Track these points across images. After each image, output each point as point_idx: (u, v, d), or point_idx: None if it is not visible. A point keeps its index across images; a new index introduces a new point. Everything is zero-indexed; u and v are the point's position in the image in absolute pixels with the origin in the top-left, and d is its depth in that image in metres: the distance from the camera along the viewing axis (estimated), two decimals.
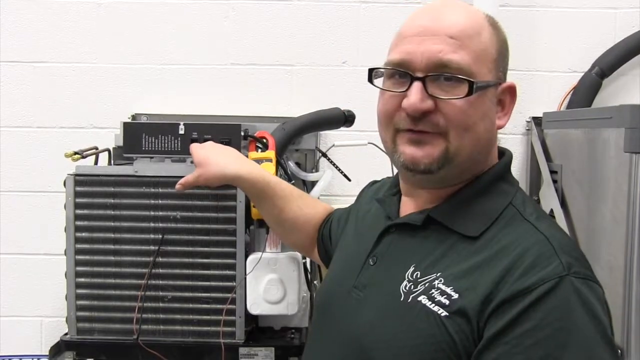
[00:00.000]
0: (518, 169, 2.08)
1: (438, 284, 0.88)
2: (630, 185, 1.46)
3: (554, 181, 1.85)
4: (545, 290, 0.80)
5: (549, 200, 1.86)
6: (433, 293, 0.88)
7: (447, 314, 0.86)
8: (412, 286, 0.91)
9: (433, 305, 0.87)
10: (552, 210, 1.83)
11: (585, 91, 2.00)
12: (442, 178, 0.94)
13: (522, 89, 2.06)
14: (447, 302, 0.86)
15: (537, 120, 2.00)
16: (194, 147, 1.41)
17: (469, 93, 0.88)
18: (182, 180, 1.38)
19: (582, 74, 2.02)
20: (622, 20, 2.04)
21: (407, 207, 1.03)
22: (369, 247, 1.03)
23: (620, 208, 1.49)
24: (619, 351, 1.46)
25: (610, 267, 1.54)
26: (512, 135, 2.07)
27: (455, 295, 0.86)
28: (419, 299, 0.89)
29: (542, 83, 2.06)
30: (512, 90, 0.96)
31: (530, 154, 2.04)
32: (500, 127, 0.96)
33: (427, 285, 0.89)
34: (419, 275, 0.91)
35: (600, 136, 1.59)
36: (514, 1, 2.03)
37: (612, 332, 0.86)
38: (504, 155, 1.02)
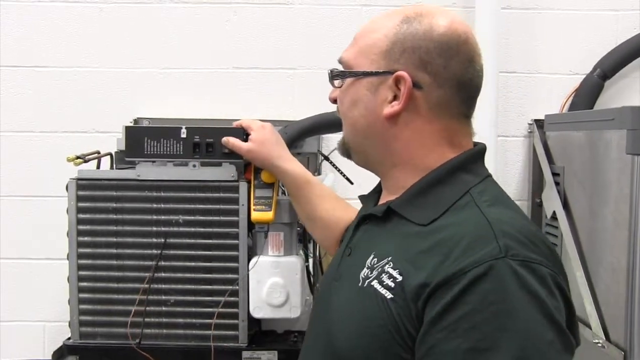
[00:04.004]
0: (520, 171, 2.08)
1: (387, 268, 0.90)
2: (632, 187, 1.45)
3: (556, 183, 1.84)
4: (480, 273, 0.80)
5: (551, 202, 1.86)
6: (383, 277, 0.90)
7: (392, 296, 0.87)
8: (369, 272, 0.93)
9: (382, 288, 0.89)
10: (554, 213, 1.83)
11: (587, 93, 2.00)
12: (365, 162, 1.05)
13: (523, 91, 2.06)
14: (392, 284, 0.88)
15: (539, 123, 2.00)
16: (255, 123, 1.47)
17: (336, 82, 1.02)
18: (233, 141, 1.46)
19: (584, 76, 2.02)
20: (624, 22, 2.04)
21: (383, 200, 1.06)
22: (347, 240, 1.08)
23: (623, 210, 1.49)
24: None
25: (612, 268, 1.54)
26: (514, 138, 2.07)
27: (400, 278, 0.88)
28: (372, 283, 0.91)
29: (543, 85, 2.06)
30: (397, 79, 0.94)
31: (532, 156, 2.04)
32: (390, 115, 0.96)
33: (379, 270, 0.91)
34: (375, 262, 0.94)
35: (602, 138, 1.59)
36: (515, 3, 2.04)
37: (572, 315, 0.88)
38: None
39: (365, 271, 0.94)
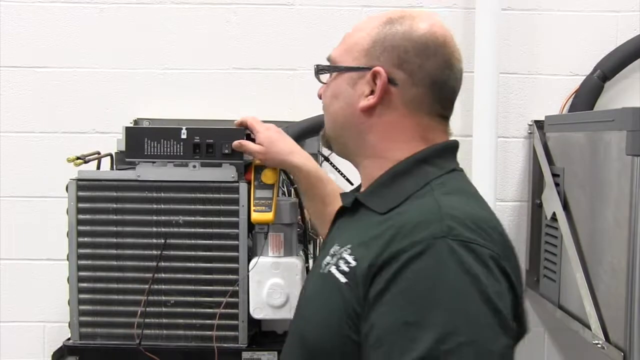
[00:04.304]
0: (520, 172, 2.08)
1: (345, 254, 0.93)
2: (632, 188, 1.46)
3: (556, 184, 1.85)
4: (418, 251, 0.82)
5: (551, 203, 1.86)
6: (340, 262, 0.93)
7: (346, 280, 0.90)
8: (330, 259, 0.96)
9: (338, 273, 0.92)
10: (554, 213, 1.83)
11: (587, 94, 2.01)
12: (343, 153, 1.10)
13: (524, 92, 2.06)
14: (347, 269, 0.91)
15: (539, 124, 2.01)
16: (259, 124, 1.47)
17: (322, 77, 1.08)
18: (245, 144, 1.46)
19: (584, 77, 2.03)
20: (624, 24, 2.04)
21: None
22: (327, 235, 1.14)
23: (623, 210, 1.49)
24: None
25: (613, 269, 1.54)
26: (514, 139, 2.07)
27: (354, 263, 0.90)
28: (331, 269, 0.94)
29: (544, 86, 2.06)
30: (375, 75, 0.98)
31: (532, 157, 2.04)
32: (365, 108, 1.00)
33: (338, 257, 0.94)
34: (336, 250, 0.97)
35: (602, 139, 1.60)
36: (516, 5, 2.04)
37: (518, 302, 0.89)
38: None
39: (327, 259, 0.97)
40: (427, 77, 0.97)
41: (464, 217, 0.87)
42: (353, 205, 1.03)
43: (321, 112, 1.40)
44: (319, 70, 1.08)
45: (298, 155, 1.43)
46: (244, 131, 1.50)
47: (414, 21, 0.99)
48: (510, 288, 0.86)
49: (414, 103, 0.98)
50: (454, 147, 1.04)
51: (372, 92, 0.99)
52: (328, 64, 1.08)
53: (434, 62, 0.98)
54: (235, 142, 1.48)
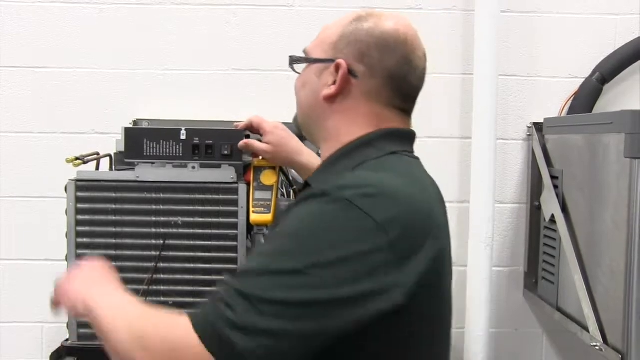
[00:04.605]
0: (519, 174, 2.08)
1: (274, 228, 1.02)
2: (630, 191, 1.46)
3: (555, 186, 1.85)
4: (299, 201, 0.94)
5: (550, 205, 1.86)
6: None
7: None
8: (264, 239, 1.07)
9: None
10: (553, 216, 1.83)
11: (586, 97, 2.01)
12: (310, 138, 1.18)
13: (523, 94, 2.07)
14: None
15: (538, 126, 2.01)
16: (266, 123, 1.48)
17: (295, 67, 1.16)
18: (252, 143, 1.47)
19: (583, 79, 2.03)
20: (623, 26, 2.04)
21: None
22: None
23: (621, 213, 1.49)
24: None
25: (611, 271, 1.54)
26: (513, 141, 2.07)
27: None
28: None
29: (543, 89, 2.06)
30: (337, 66, 1.05)
31: (531, 160, 2.04)
32: (327, 96, 1.06)
33: (268, 233, 1.05)
34: (272, 228, 1.06)
35: (601, 142, 1.60)
36: (515, 7, 2.04)
37: (424, 274, 0.90)
38: None
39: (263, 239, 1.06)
40: (385, 70, 1.04)
41: (365, 183, 0.92)
42: (304, 186, 1.11)
43: None
44: (292, 61, 1.16)
45: (306, 155, 1.46)
46: (244, 132, 1.51)
47: (379, 20, 1.07)
48: (401, 259, 0.88)
49: (371, 94, 1.05)
50: (403, 133, 1.08)
51: (334, 83, 1.06)
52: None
53: (393, 58, 1.04)
54: (241, 143, 1.49)
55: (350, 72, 1.05)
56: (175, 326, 0.85)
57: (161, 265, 1.52)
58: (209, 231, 1.52)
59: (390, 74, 1.04)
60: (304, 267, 0.84)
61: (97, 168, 1.63)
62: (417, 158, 1.09)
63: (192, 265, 1.52)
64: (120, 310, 0.95)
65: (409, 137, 1.09)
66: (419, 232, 0.92)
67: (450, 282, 1.05)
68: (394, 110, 1.07)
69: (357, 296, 0.84)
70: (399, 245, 0.88)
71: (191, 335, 0.83)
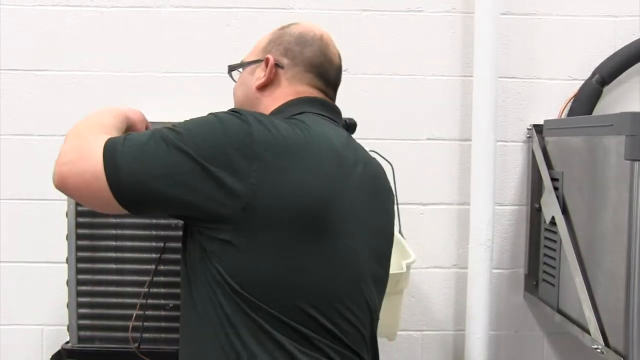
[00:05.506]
0: (519, 176, 2.08)
1: None
2: (630, 193, 1.46)
3: (555, 188, 1.85)
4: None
5: (550, 207, 1.86)
6: None
7: None
8: None
9: None
10: (553, 218, 1.83)
11: (586, 99, 2.01)
12: None
13: (522, 96, 2.07)
14: None
15: (538, 128, 2.01)
16: None
17: (232, 75, 1.40)
18: None
19: (583, 81, 2.03)
20: (622, 28, 2.05)
21: None
22: None
23: (621, 215, 1.49)
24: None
25: (611, 273, 1.54)
26: (513, 143, 2.07)
27: None
28: None
29: (542, 91, 2.06)
30: (266, 61, 1.28)
31: (531, 162, 2.04)
32: (259, 86, 1.28)
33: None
34: None
35: (600, 144, 1.60)
36: (515, 9, 2.04)
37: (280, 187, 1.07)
38: None
39: None
40: (306, 59, 1.28)
41: (256, 114, 1.13)
42: None
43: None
44: (230, 69, 1.40)
45: None
46: None
47: (300, 25, 1.33)
48: (262, 168, 1.06)
49: (295, 78, 1.27)
50: (313, 99, 1.26)
51: (264, 76, 1.28)
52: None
53: (311, 50, 1.29)
54: None
55: (277, 64, 1.28)
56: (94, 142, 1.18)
57: (161, 268, 1.52)
58: None
59: (310, 61, 1.28)
60: (184, 131, 1.14)
61: None
62: (333, 120, 1.26)
63: None
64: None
65: (323, 103, 1.27)
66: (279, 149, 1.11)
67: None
68: (314, 90, 1.28)
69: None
70: (260, 155, 1.07)
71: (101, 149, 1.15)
